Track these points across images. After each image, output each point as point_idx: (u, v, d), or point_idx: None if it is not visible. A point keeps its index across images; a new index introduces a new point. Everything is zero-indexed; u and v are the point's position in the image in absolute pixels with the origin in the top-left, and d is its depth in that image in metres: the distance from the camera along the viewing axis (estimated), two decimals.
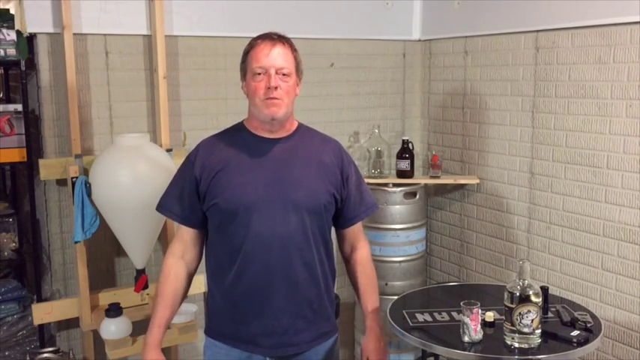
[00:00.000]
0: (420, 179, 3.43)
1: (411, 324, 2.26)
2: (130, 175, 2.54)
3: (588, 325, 2.18)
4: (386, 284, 3.28)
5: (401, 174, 3.35)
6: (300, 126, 1.96)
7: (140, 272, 2.75)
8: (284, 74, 1.81)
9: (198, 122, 3.08)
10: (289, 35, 1.88)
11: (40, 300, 2.76)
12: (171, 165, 2.66)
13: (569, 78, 2.78)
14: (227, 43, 3.10)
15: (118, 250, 2.93)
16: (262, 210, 1.80)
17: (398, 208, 3.28)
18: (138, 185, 2.53)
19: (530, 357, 2.02)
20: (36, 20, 2.68)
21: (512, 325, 2.04)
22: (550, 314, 2.31)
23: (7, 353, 2.75)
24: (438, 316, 2.32)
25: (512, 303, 2.04)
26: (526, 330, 2.03)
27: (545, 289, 2.28)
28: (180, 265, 1.91)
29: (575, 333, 2.12)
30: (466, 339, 2.08)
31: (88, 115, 2.85)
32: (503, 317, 2.09)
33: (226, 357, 1.89)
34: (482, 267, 3.33)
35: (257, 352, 1.86)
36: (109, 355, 2.65)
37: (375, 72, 3.55)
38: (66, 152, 2.77)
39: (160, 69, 2.82)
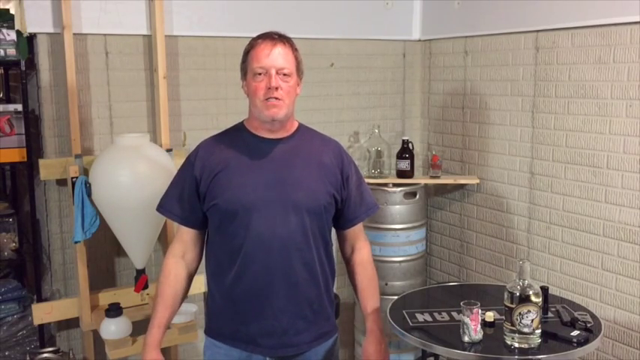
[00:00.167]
0: (420, 179, 3.43)
1: (411, 324, 2.26)
2: (130, 175, 2.54)
3: (588, 325, 2.18)
4: (386, 284, 3.28)
5: (401, 174, 3.35)
6: (301, 126, 1.96)
7: (140, 272, 2.75)
8: (285, 74, 1.80)
9: (198, 122, 3.08)
10: (289, 35, 1.88)
11: (40, 300, 2.76)
12: (172, 165, 2.66)
13: (569, 78, 2.78)
14: (227, 43, 3.10)
15: (118, 250, 2.93)
16: (262, 210, 1.80)
17: (398, 208, 3.28)
18: (138, 185, 2.53)
19: (530, 357, 2.02)
20: (36, 20, 2.68)
21: (512, 325, 2.04)
22: (550, 314, 2.31)
23: (7, 353, 2.75)
24: (438, 316, 2.32)
25: (512, 303, 2.04)
26: (526, 330, 2.03)
27: (545, 289, 2.28)
28: (181, 266, 1.91)
29: (575, 333, 2.12)
30: (466, 339, 2.08)
31: (88, 115, 2.85)
32: (503, 317, 2.09)
33: (226, 357, 1.89)
34: (482, 267, 3.33)
35: (257, 352, 1.86)
36: (109, 355, 2.65)
37: (375, 72, 3.55)
38: (66, 152, 2.77)
39: (160, 69, 2.82)
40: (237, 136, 1.90)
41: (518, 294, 2.03)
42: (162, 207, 1.93)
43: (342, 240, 2.05)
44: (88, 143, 2.85)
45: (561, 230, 2.87)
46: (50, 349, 2.73)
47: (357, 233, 2.03)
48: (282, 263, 1.82)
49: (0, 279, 2.91)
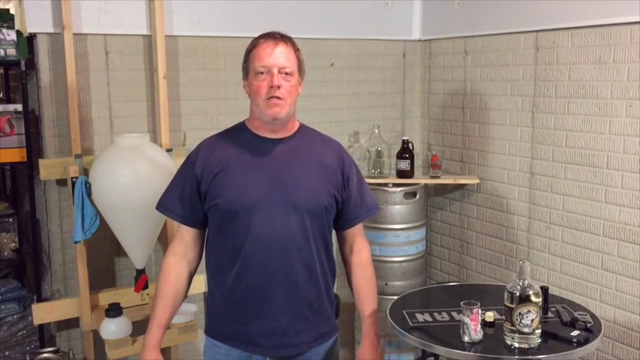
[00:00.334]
0: (420, 179, 3.43)
1: (411, 324, 2.26)
2: (130, 175, 2.54)
3: (588, 325, 2.18)
4: (386, 284, 3.28)
5: (401, 174, 3.35)
6: (302, 126, 1.96)
7: (140, 272, 2.75)
8: (286, 73, 1.80)
9: (198, 122, 3.08)
10: (290, 35, 1.88)
11: (40, 300, 2.76)
12: (172, 165, 2.66)
13: (569, 78, 2.78)
14: (227, 43, 3.10)
15: (118, 250, 2.93)
16: (263, 210, 1.80)
17: (398, 208, 3.28)
18: (138, 185, 2.53)
19: (530, 357, 2.02)
20: (36, 20, 2.68)
21: (512, 325, 2.04)
22: (550, 314, 2.31)
23: (7, 353, 2.75)
24: (438, 316, 2.32)
25: (512, 303, 2.03)
26: (526, 330, 2.03)
27: (545, 289, 2.28)
28: (181, 265, 1.90)
29: (575, 333, 2.12)
30: (466, 339, 2.08)
31: (88, 115, 2.85)
32: (503, 317, 2.09)
33: (226, 357, 1.89)
34: (482, 267, 3.33)
35: (257, 352, 1.86)
36: (109, 355, 2.65)
37: (375, 72, 3.55)
38: (66, 152, 2.77)
39: (160, 69, 2.82)
40: (238, 136, 1.90)
41: (518, 294, 2.03)
42: (162, 206, 1.93)
43: (341, 241, 2.05)
44: (88, 143, 2.85)
45: (561, 230, 2.87)
46: (50, 349, 2.73)
47: (357, 234, 2.03)
48: (282, 263, 1.81)
49: (0, 279, 2.91)
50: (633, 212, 2.56)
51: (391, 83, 3.62)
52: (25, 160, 2.65)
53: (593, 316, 2.30)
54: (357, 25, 3.42)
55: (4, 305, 2.79)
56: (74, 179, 2.60)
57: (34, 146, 2.71)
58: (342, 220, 1.97)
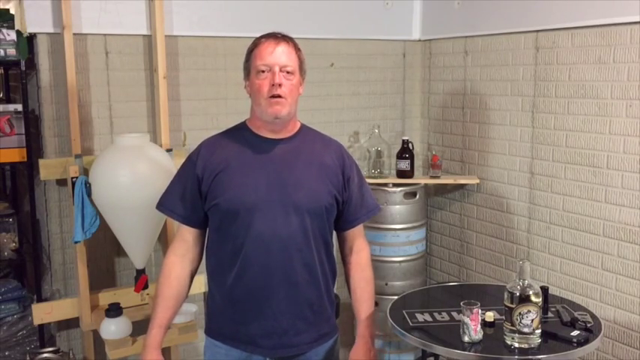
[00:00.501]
0: (420, 179, 3.43)
1: (411, 324, 2.26)
2: (130, 175, 2.54)
3: (588, 325, 2.18)
4: (386, 284, 3.28)
5: (401, 174, 3.35)
6: (303, 127, 1.96)
7: (140, 272, 2.75)
8: (288, 72, 1.80)
9: (198, 122, 3.08)
10: (290, 35, 1.88)
11: (40, 300, 2.76)
12: (172, 165, 2.66)
13: (569, 78, 2.78)
14: (227, 43, 3.10)
15: (118, 250, 2.93)
16: (263, 211, 1.80)
17: (398, 208, 3.28)
18: (138, 185, 2.53)
19: (530, 357, 2.02)
20: (36, 20, 2.68)
21: (512, 325, 2.04)
22: (550, 314, 2.31)
23: (7, 353, 2.75)
24: (438, 316, 2.32)
25: (512, 303, 2.03)
26: (526, 330, 2.03)
27: (545, 289, 2.28)
28: (182, 265, 1.90)
29: (575, 333, 2.12)
30: (466, 339, 2.08)
31: (88, 115, 2.85)
32: (503, 317, 2.09)
33: (226, 357, 1.89)
34: (482, 267, 3.33)
35: (257, 352, 1.86)
36: (109, 355, 2.65)
37: (375, 72, 3.55)
38: (66, 152, 2.77)
39: (160, 69, 2.82)
40: (239, 136, 1.90)
41: (518, 294, 2.03)
42: (163, 206, 1.92)
43: (341, 241, 2.04)
44: (88, 143, 2.85)
45: (561, 230, 2.87)
46: (50, 349, 2.72)
47: (357, 235, 2.02)
48: (282, 264, 1.81)
49: (0, 279, 2.91)
50: (633, 212, 2.56)
51: (391, 83, 3.62)
52: (25, 160, 2.64)
53: (593, 316, 2.30)
54: (357, 25, 3.42)
55: (4, 305, 2.79)
56: (74, 179, 2.60)
57: (34, 146, 2.71)
58: (342, 221, 1.97)
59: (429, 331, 2.20)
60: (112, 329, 2.65)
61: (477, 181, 3.28)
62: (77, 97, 2.70)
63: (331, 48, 3.40)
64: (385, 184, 3.30)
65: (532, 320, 2.02)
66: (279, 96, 1.78)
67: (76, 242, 2.61)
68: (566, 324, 2.22)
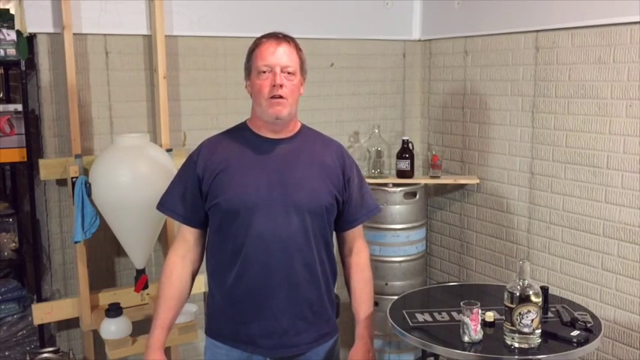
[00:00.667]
0: (420, 179, 3.43)
1: (411, 324, 2.26)
2: (130, 175, 2.54)
3: (588, 325, 2.18)
4: (386, 284, 3.28)
5: (401, 174, 3.35)
6: (303, 127, 1.96)
7: (140, 272, 2.75)
8: (289, 72, 1.81)
9: (198, 122, 3.08)
10: (291, 35, 1.88)
11: (40, 300, 2.76)
12: (172, 165, 2.66)
13: (569, 78, 2.78)
14: (227, 43, 3.10)
15: (118, 250, 2.93)
16: (264, 210, 1.80)
17: (398, 208, 3.28)
18: (138, 185, 2.53)
19: (530, 357, 2.02)
20: (36, 20, 2.68)
21: (512, 325, 2.04)
22: (550, 314, 2.31)
23: (7, 353, 2.75)
24: (438, 316, 2.32)
25: (512, 303, 2.03)
26: (526, 330, 2.03)
27: (545, 289, 2.28)
28: (183, 266, 1.90)
29: (575, 333, 2.12)
30: (466, 339, 2.08)
31: (88, 115, 2.85)
32: (503, 317, 2.09)
33: (226, 357, 1.89)
34: (482, 267, 3.33)
35: (257, 352, 1.86)
36: (109, 355, 2.65)
37: (375, 72, 3.55)
38: (66, 152, 2.77)
39: (160, 69, 2.82)
40: (239, 136, 1.90)
41: (518, 294, 2.03)
42: (163, 206, 1.92)
43: (341, 242, 2.04)
44: (88, 143, 2.85)
45: (561, 230, 2.87)
46: (50, 349, 2.73)
47: (357, 236, 2.02)
48: (282, 264, 1.81)
49: (0, 279, 2.91)
50: (633, 212, 2.56)
51: (391, 83, 3.62)
52: (25, 160, 2.65)
53: (593, 316, 2.30)
54: (357, 25, 3.42)
55: (4, 305, 2.79)
56: (74, 179, 2.60)
57: (34, 146, 2.71)
58: (342, 221, 1.97)
59: (429, 331, 2.20)
60: (112, 329, 2.65)
61: (477, 181, 3.29)
62: (77, 97, 2.70)
63: (331, 48, 3.40)
64: (385, 184, 3.30)
65: (532, 320, 2.02)
66: (280, 97, 1.78)
67: (76, 242, 2.61)
68: (566, 324, 2.22)
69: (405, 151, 3.35)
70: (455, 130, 3.44)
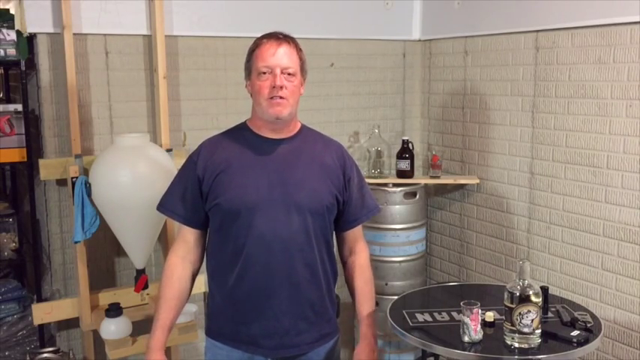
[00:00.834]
0: (420, 179, 3.43)
1: (411, 324, 2.26)
2: (130, 175, 2.54)
3: (588, 325, 2.18)
4: (386, 284, 3.28)
5: (401, 174, 3.35)
6: (303, 127, 1.96)
7: (140, 272, 2.75)
8: (289, 74, 1.80)
9: (198, 122, 3.08)
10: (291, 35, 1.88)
11: (40, 300, 2.76)
12: (172, 165, 2.66)
13: (569, 78, 2.78)
14: (227, 43, 3.10)
15: (118, 250, 2.93)
16: (265, 211, 1.80)
17: (398, 208, 3.28)
18: (138, 185, 2.53)
19: (530, 357, 2.02)
20: (36, 20, 2.67)
21: (512, 325, 2.04)
22: (550, 314, 2.31)
23: (7, 353, 2.75)
24: (438, 316, 2.32)
25: (512, 303, 2.03)
26: (526, 330, 2.03)
27: (545, 289, 2.28)
28: (184, 266, 1.90)
29: (575, 333, 2.12)
30: (466, 339, 2.08)
31: (88, 115, 2.85)
32: (503, 317, 2.09)
33: (227, 358, 1.89)
34: (482, 267, 3.33)
35: (258, 353, 1.86)
36: (109, 355, 2.65)
37: (375, 72, 3.55)
38: (66, 152, 2.77)
39: (160, 69, 2.82)
40: (239, 136, 1.90)
41: (518, 294, 2.03)
42: (163, 206, 1.92)
43: (341, 242, 2.05)
44: (88, 143, 2.85)
45: (561, 230, 2.87)
46: (50, 349, 2.72)
47: (357, 236, 2.03)
48: (284, 264, 1.81)
49: (0, 279, 2.91)
50: (633, 212, 2.56)
51: (391, 83, 3.62)
52: (25, 160, 2.64)
53: (593, 316, 2.30)
54: (357, 25, 3.42)
55: (4, 305, 2.79)
56: (74, 179, 2.59)
57: (34, 146, 2.71)
58: (343, 221, 1.97)
59: (429, 331, 2.20)
60: (112, 329, 2.65)
61: (477, 181, 3.29)
62: (77, 97, 2.70)
63: (331, 48, 3.40)
64: (385, 184, 3.30)
65: (532, 320, 2.02)
66: (280, 97, 1.78)
67: (76, 242, 2.61)
68: (566, 324, 2.22)
69: (405, 151, 3.35)
70: (455, 130, 3.44)
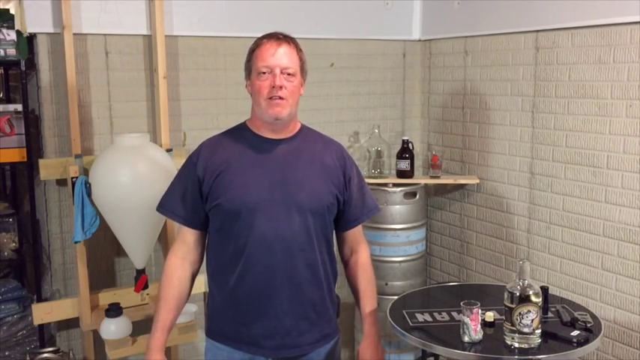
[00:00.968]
0: (420, 179, 3.43)
1: (411, 324, 2.26)
2: (130, 175, 2.54)
3: (588, 325, 2.18)
4: (386, 284, 3.28)
5: (401, 174, 3.35)
6: (303, 127, 1.96)
7: (140, 272, 2.75)
8: (289, 74, 1.80)
9: (198, 122, 3.08)
10: (291, 35, 1.88)
11: (40, 300, 2.76)
12: (172, 165, 2.66)
13: (569, 78, 2.78)
14: (227, 43, 3.10)
15: (118, 250, 2.93)
16: (265, 211, 1.80)
17: (398, 208, 3.28)
18: (138, 185, 2.53)
19: (530, 357, 2.02)
20: (36, 20, 2.67)
21: (512, 325, 2.04)
22: (550, 314, 2.31)
23: (7, 353, 2.75)
24: (438, 316, 2.32)
25: (512, 303, 2.04)
26: (526, 330, 2.03)
27: (545, 289, 2.28)
28: (183, 267, 1.90)
29: (575, 333, 2.12)
30: (466, 339, 2.08)
31: (88, 115, 2.85)
32: (503, 317, 2.09)
33: (228, 359, 1.89)
34: (482, 267, 3.33)
35: (259, 353, 1.86)
36: (109, 355, 2.65)
37: (375, 72, 3.55)
38: (66, 152, 2.77)
39: (160, 69, 2.82)
40: (239, 136, 1.90)
41: (518, 294, 2.03)
42: (163, 207, 1.92)
43: (341, 242, 2.05)
44: (88, 143, 2.85)
45: (561, 230, 2.87)
46: (50, 349, 2.72)
47: (358, 235, 2.03)
48: (285, 264, 1.81)
49: (0, 279, 2.91)
50: (633, 212, 2.56)
51: (391, 83, 3.62)
52: (25, 160, 2.64)
53: (593, 316, 2.30)
54: (357, 25, 3.42)
55: (4, 305, 2.79)
56: (74, 179, 2.60)
57: (34, 146, 2.71)
58: (343, 221, 1.97)
59: (429, 331, 2.20)
60: (112, 329, 2.65)
61: (477, 181, 3.29)
62: (77, 97, 2.70)
63: (331, 48, 3.40)
64: (385, 184, 3.30)
65: (532, 320, 2.02)
66: (279, 97, 1.78)
67: (76, 242, 2.61)
68: (566, 324, 2.22)
69: (405, 151, 3.35)
70: (455, 130, 3.44)
